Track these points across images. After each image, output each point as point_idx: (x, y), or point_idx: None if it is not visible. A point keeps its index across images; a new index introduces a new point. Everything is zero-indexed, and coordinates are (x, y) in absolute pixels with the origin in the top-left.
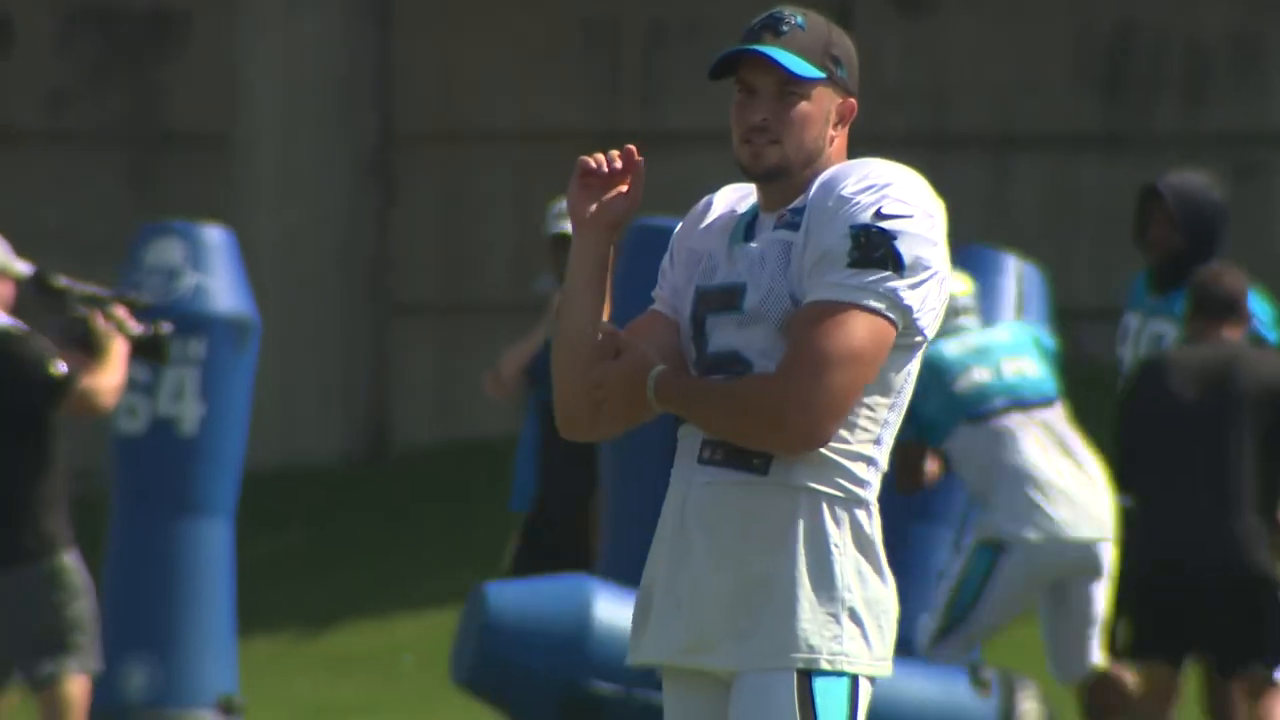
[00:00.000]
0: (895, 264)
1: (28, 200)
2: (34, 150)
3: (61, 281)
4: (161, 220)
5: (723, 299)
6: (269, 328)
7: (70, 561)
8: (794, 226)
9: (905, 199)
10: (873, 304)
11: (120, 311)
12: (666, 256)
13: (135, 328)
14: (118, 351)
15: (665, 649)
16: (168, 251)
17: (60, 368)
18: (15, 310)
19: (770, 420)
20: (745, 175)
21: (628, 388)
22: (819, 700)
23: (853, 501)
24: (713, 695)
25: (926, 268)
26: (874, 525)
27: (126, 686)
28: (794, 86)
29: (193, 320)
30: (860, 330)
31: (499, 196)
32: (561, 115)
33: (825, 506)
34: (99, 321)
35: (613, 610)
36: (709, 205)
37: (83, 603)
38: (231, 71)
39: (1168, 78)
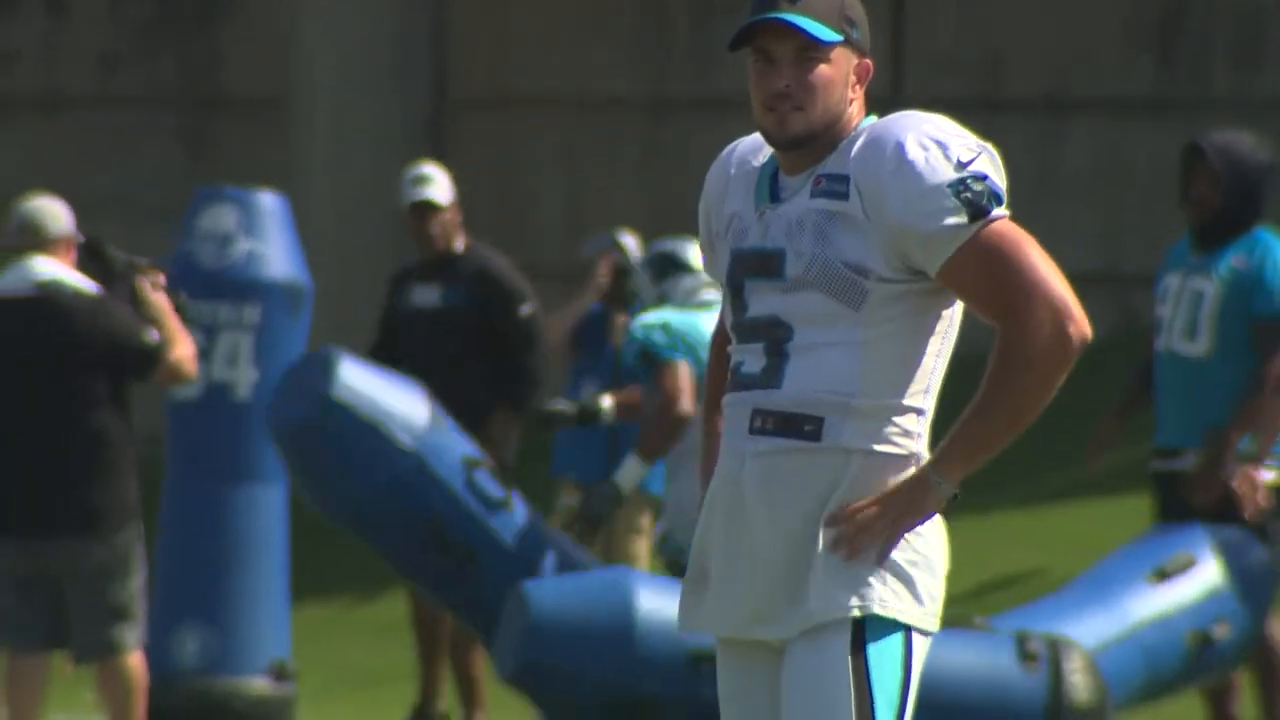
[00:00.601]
0: (997, 199)
1: (82, 166)
2: (87, 115)
3: (110, 250)
4: (215, 186)
5: (759, 264)
6: (322, 293)
7: (138, 532)
8: (835, 195)
9: (962, 141)
10: (997, 213)
11: (160, 278)
12: (704, 227)
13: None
14: (173, 319)
15: (726, 621)
16: (221, 218)
17: (153, 336)
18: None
19: (1053, 365)
20: (770, 142)
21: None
22: (872, 653)
23: (905, 456)
24: (771, 664)
25: (1003, 187)
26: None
27: (180, 653)
28: (813, 51)
29: (246, 286)
30: (1012, 231)
31: (549, 161)
32: (612, 81)
33: (879, 465)
34: (148, 290)
35: (655, 604)
36: (726, 168)
37: (142, 574)
38: (284, 35)
39: (1219, 43)
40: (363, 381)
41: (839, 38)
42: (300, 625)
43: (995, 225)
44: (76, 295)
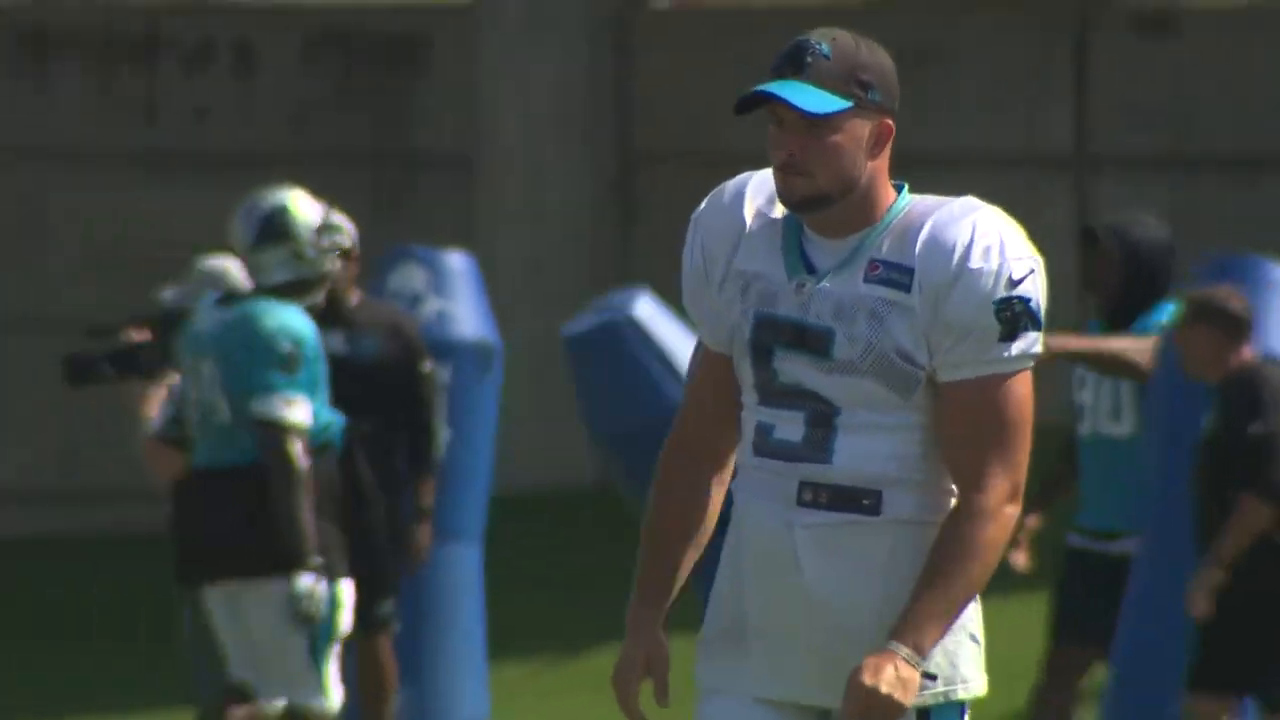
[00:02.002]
0: (1035, 323)
1: None
2: (279, 171)
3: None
4: (404, 243)
5: (796, 336)
6: (515, 351)
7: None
8: (897, 285)
9: (1020, 255)
10: (1025, 367)
11: None
12: (695, 271)
13: None
14: None
15: (779, 686)
16: (410, 277)
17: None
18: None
19: (1002, 530)
20: (781, 203)
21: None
22: None
23: None
24: None
25: (1043, 306)
26: None
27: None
28: (821, 120)
29: (436, 346)
30: (1024, 393)
31: None
32: None
33: (929, 535)
34: None
35: None
36: (738, 212)
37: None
38: (473, 93)
39: None
40: (659, 316)
41: (846, 105)
42: (502, 682)
43: (1016, 384)
44: None
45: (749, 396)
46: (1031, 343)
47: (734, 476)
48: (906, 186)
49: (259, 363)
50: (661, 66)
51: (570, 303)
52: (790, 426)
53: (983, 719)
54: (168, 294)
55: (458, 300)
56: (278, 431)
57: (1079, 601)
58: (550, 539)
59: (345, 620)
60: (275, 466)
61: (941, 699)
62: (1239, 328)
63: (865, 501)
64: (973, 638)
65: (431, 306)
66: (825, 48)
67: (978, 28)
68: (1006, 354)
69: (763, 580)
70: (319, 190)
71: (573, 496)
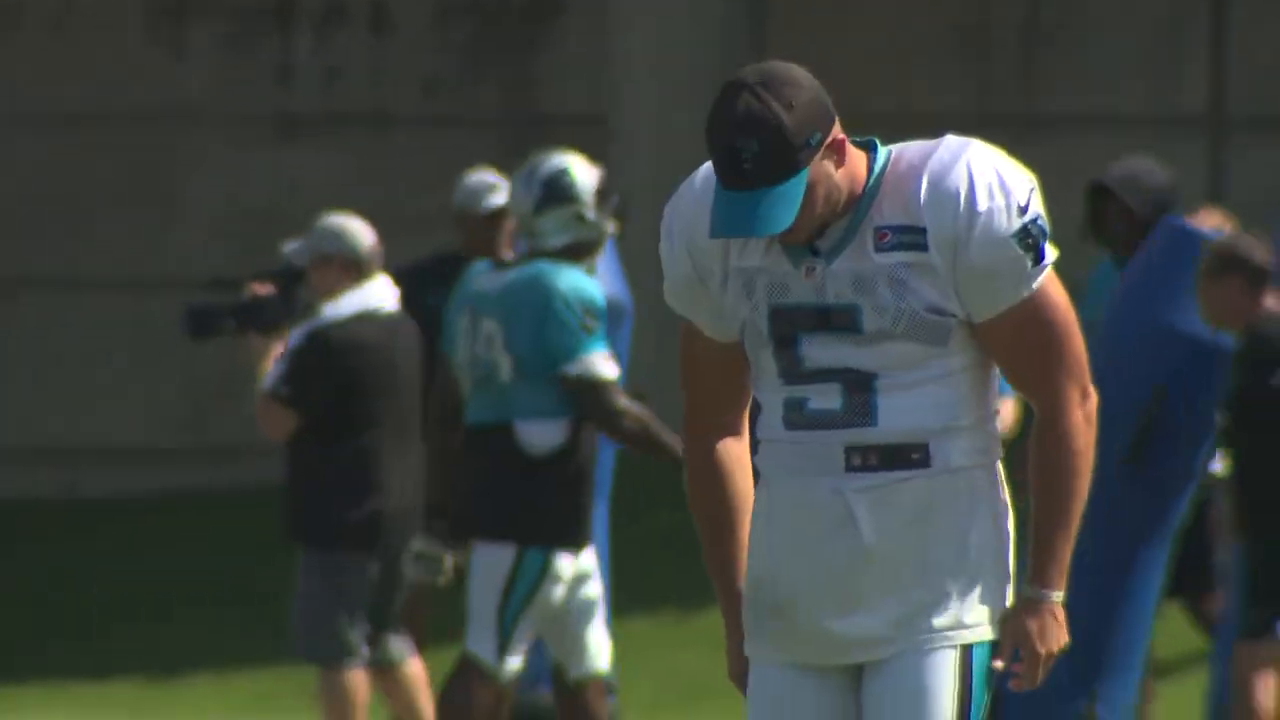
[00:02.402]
0: (1047, 235)
1: (408, 184)
2: (412, 136)
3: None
4: None
5: (819, 319)
6: (646, 311)
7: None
8: (910, 247)
9: (1017, 180)
10: (1050, 271)
11: None
12: (684, 271)
13: None
14: None
15: (825, 649)
16: None
17: None
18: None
19: (1086, 438)
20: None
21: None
22: (975, 674)
23: (992, 464)
24: (836, 683)
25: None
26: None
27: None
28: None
29: None
30: (1058, 294)
31: None
32: (934, 98)
33: (983, 477)
34: None
35: None
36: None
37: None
38: (604, 56)
39: None
40: None
41: (801, 174)
42: (627, 638)
43: (1048, 291)
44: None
45: (770, 380)
46: (1052, 254)
47: (754, 453)
48: (877, 142)
49: (562, 327)
50: (795, 28)
51: None
52: (826, 397)
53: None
54: (291, 249)
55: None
56: (601, 389)
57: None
58: (675, 498)
59: (548, 591)
60: (608, 421)
61: (985, 634)
62: (1262, 278)
63: (915, 455)
64: (1004, 580)
65: None
66: (755, 144)
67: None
68: (1036, 272)
69: (808, 549)
70: (449, 153)
71: None
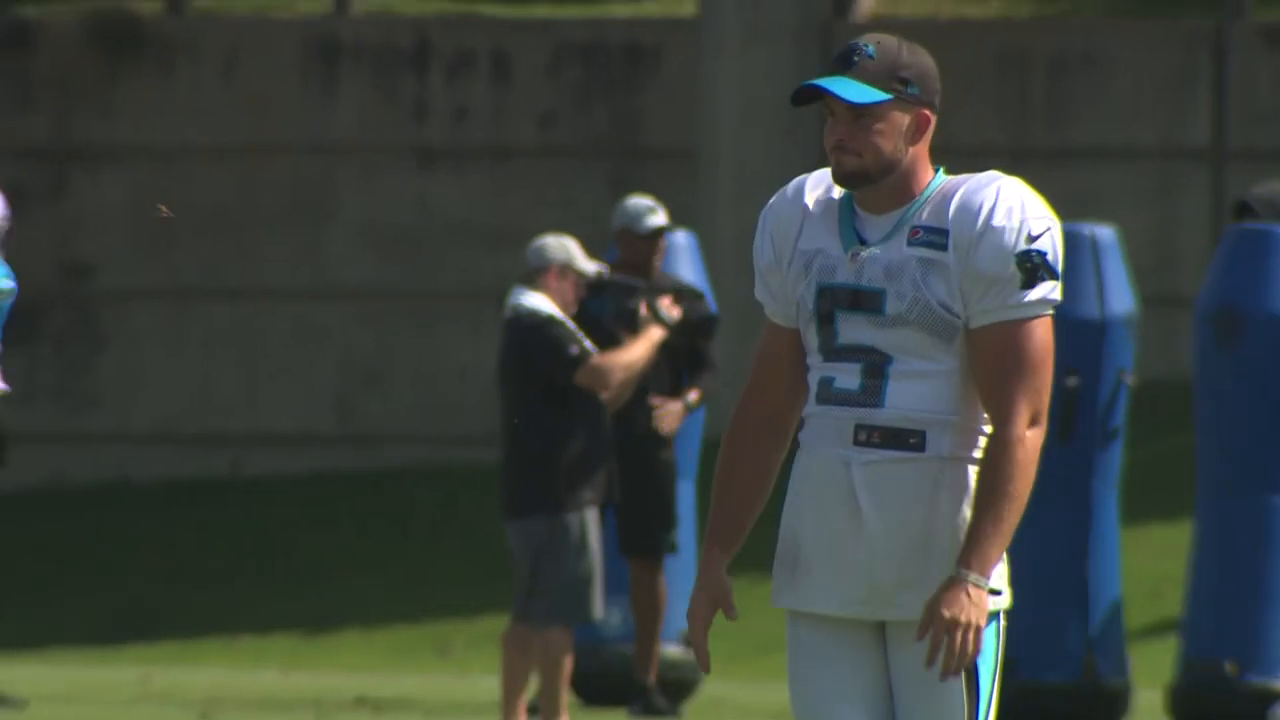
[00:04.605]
0: (1052, 274)
1: (525, 208)
2: (529, 165)
3: (610, 277)
4: None
5: (853, 299)
6: (727, 313)
7: (572, 521)
8: (933, 245)
9: (1038, 215)
10: (1045, 312)
11: (664, 301)
12: (768, 256)
13: (674, 314)
14: (648, 336)
15: (833, 601)
16: None
17: (573, 350)
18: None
19: (1032, 454)
20: (834, 179)
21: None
22: (984, 648)
23: (979, 459)
24: (861, 638)
25: (1059, 259)
26: None
27: (605, 624)
28: (864, 110)
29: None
30: (1044, 334)
31: None
32: (979, 134)
33: (969, 467)
34: (643, 309)
35: None
36: (799, 203)
37: (577, 562)
38: (695, 95)
39: None
40: None
41: (886, 97)
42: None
43: (1034, 329)
44: (530, 314)
45: (814, 358)
46: (1049, 290)
47: (800, 427)
48: (943, 169)
49: None
50: None
51: None
52: (849, 377)
53: (1135, 629)
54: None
55: (681, 271)
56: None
57: None
58: None
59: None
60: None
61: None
62: None
63: (912, 440)
64: (1004, 554)
65: None
66: (871, 49)
67: (1127, 37)
68: (1027, 300)
69: (823, 511)
70: (564, 179)
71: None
